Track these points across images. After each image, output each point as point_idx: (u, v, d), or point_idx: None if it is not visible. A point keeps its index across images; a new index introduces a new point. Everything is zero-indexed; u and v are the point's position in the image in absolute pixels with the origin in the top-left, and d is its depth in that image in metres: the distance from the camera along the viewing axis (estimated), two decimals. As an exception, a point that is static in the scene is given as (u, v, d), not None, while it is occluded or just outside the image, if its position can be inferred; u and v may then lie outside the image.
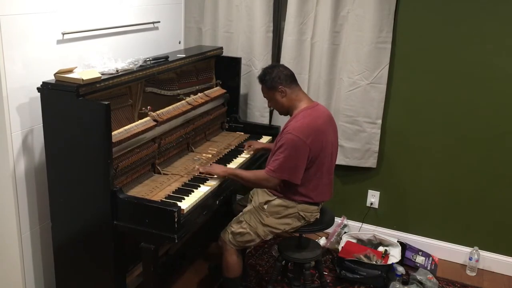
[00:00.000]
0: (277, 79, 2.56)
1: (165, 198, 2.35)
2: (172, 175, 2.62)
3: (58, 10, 2.44)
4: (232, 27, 3.49)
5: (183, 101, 2.87)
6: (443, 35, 3.06)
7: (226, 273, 2.64)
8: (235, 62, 3.33)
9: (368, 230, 3.50)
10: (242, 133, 3.35)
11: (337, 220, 3.50)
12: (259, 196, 2.61)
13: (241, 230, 2.56)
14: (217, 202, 2.50)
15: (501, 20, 2.91)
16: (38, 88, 2.17)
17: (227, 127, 3.40)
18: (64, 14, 2.47)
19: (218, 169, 2.62)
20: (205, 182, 2.54)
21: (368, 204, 3.52)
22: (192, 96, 2.97)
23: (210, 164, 2.72)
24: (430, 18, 3.07)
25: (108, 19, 2.80)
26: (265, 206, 2.56)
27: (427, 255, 3.32)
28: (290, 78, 2.59)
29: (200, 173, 2.62)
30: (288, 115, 2.64)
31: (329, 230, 3.26)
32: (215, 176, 2.58)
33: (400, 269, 3.05)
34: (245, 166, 2.87)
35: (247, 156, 2.96)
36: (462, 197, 3.25)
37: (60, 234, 2.36)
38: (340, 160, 3.37)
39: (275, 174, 2.45)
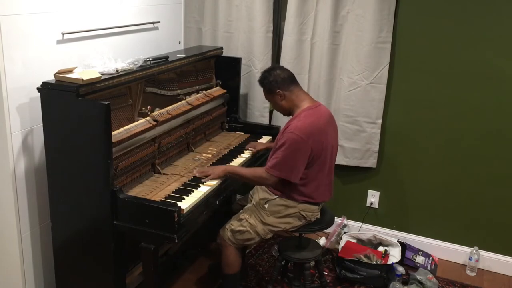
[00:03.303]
0: (274, 83, 2.56)
1: (165, 198, 2.35)
2: (172, 175, 2.62)
3: (58, 10, 2.44)
4: (232, 27, 3.49)
5: (183, 101, 2.87)
6: (443, 35, 3.06)
7: (225, 269, 2.63)
8: (235, 62, 3.34)
9: (368, 230, 3.50)
10: (242, 133, 3.35)
11: (337, 220, 3.50)
12: (259, 194, 2.62)
13: (240, 228, 2.56)
14: (217, 202, 2.50)
15: (501, 20, 2.91)
16: (38, 88, 2.17)
17: (227, 127, 3.40)
18: (64, 14, 2.47)
19: (216, 170, 2.59)
20: (205, 182, 2.54)
21: (368, 204, 3.52)
22: (192, 96, 2.97)
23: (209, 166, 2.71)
24: (430, 18, 3.07)
25: (108, 19, 2.80)
26: (266, 205, 2.56)
27: (427, 255, 3.32)
28: (288, 81, 2.58)
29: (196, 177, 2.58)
30: (290, 115, 2.63)
31: (329, 230, 3.26)
32: (214, 179, 2.55)
33: (400, 269, 3.05)
34: (246, 165, 2.86)
35: (247, 156, 2.96)
36: (462, 197, 3.25)
37: (60, 234, 2.36)
38: (340, 160, 3.37)
39: (273, 172, 2.46)
